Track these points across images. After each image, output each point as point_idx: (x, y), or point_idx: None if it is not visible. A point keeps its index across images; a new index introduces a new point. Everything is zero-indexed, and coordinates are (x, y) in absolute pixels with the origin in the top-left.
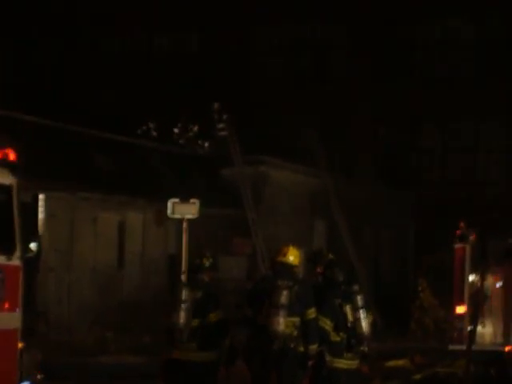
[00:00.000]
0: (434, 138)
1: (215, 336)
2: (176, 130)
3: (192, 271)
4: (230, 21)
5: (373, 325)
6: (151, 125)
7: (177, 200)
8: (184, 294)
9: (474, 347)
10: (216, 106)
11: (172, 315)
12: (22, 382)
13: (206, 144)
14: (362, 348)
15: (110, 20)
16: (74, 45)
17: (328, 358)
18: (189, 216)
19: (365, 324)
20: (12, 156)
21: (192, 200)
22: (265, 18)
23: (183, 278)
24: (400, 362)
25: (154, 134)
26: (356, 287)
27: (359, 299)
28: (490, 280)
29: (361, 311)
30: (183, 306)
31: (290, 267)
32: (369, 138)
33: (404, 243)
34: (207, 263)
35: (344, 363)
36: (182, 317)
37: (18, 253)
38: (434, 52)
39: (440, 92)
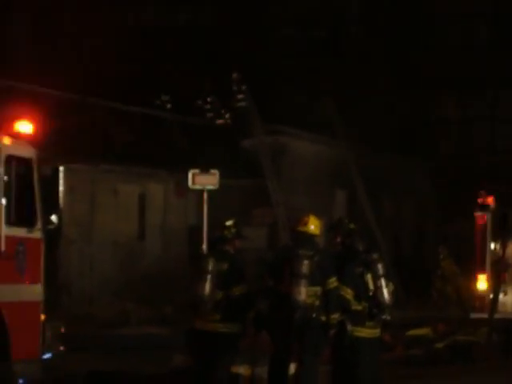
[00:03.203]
0: (453, 107)
1: (238, 309)
2: (199, 102)
3: (217, 243)
4: None
5: (394, 293)
6: (165, 97)
7: (197, 171)
8: (210, 266)
9: (495, 315)
10: (235, 76)
11: (197, 286)
12: (44, 353)
13: (227, 115)
14: (383, 316)
15: None
16: (89, 17)
17: (350, 327)
18: (209, 187)
19: (386, 292)
20: (30, 128)
21: (212, 171)
22: None
23: (204, 248)
24: (422, 331)
25: (169, 106)
26: (376, 256)
27: (380, 268)
28: (511, 248)
29: (382, 280)
30: (208, 277)
31: (310, 237)
32: (388, 108)
33: (424, 212)
34: (229, 234)
35: (366, 332)
36: (207, 288)
37: (38, 225)
38: (450, 21)
39: (458, 61)
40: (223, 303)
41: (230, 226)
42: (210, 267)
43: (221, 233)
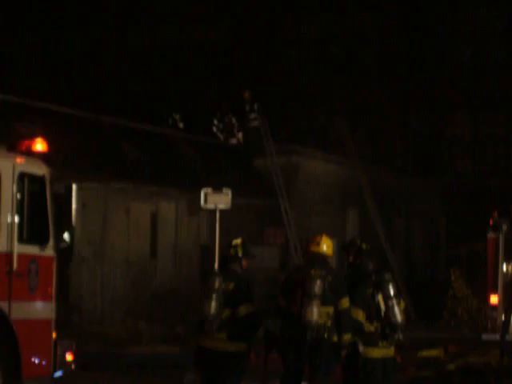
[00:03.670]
0: (465, 127)
1: (245, 328)
2: (214, 122)
3: (224, 262)
4: (260, 10)
5: (405, 312)
6: (177, 116)
7: (209, 190)
8: (216, 285)
9: (507, 337)
10: (247, 95)
11: (203, 305)
12: (55, 371)
13: (240, 134)
14: (396, 336)
15: (139, 10)
16: (103, 36)
17: (362, 348)
18: (221, 206)
19: (398, 312)
20: (44, 146)
21: (225, 190)
22: (295, 7)
23: (216, 267)
24: (433, 352)
25: (181, 125)
26: (387, 276)
27: (391, 287)
28: None
29: (393, 300)
30: (215, 296)
31: (323, 257)
32: (400, 127)
33: (436, 233)
34: (236, 253)
35: (379, 352)
36: (213, 307)
37: (51, 243)
38: (465, 40)
39: (471, 80)
40: (229, 322)
41: (236, 246)
42: (216, 286)
43: (228, 252)
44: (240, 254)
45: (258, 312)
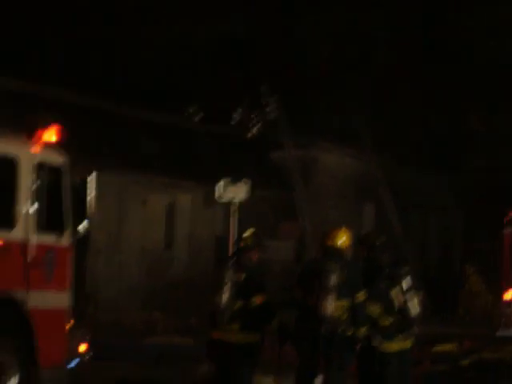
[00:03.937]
0: (483, 123)
1: (258, 319)
2: (238, 114)
3: (236, 253)
4: (277, 6)
5: (423, 302)
6: (194, 108)
7: (226, 182)
8: (228, 276)
9: None
10: (265, 87)
11: (215, 296)
12: (71, 360)
13: (257, 126)
14: (413, 330)
15: (157, 6)
16: (122, 28)
17: (378, 341)
18: (238, 198)
19: (414, 305)
20: (62, 136)
21: (241, 182)
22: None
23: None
24: (448, 347)
25: (197, 117)
26: (404, 269)
27: (407, 281)
28: None
29: (409, 292)
30: (226, 287)
31: (339, 250)
32: (418, 122)
33: (452, 228)
34: (247, 244)
35: (396, 345)
36: (225, 298)
37: (68, 233)
38: (484, 36)
39: (490, 76)
40: (242, 313)
41: (248, 236)
42: (228, 277)
43: (239, 243)
44: (252, 245)
45: (272, 303)
